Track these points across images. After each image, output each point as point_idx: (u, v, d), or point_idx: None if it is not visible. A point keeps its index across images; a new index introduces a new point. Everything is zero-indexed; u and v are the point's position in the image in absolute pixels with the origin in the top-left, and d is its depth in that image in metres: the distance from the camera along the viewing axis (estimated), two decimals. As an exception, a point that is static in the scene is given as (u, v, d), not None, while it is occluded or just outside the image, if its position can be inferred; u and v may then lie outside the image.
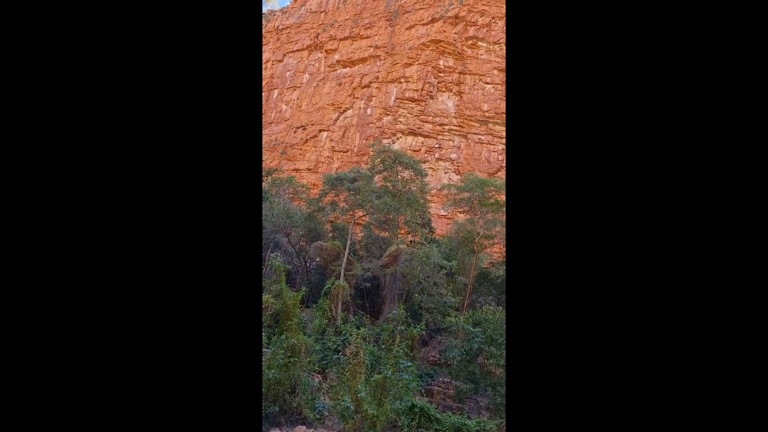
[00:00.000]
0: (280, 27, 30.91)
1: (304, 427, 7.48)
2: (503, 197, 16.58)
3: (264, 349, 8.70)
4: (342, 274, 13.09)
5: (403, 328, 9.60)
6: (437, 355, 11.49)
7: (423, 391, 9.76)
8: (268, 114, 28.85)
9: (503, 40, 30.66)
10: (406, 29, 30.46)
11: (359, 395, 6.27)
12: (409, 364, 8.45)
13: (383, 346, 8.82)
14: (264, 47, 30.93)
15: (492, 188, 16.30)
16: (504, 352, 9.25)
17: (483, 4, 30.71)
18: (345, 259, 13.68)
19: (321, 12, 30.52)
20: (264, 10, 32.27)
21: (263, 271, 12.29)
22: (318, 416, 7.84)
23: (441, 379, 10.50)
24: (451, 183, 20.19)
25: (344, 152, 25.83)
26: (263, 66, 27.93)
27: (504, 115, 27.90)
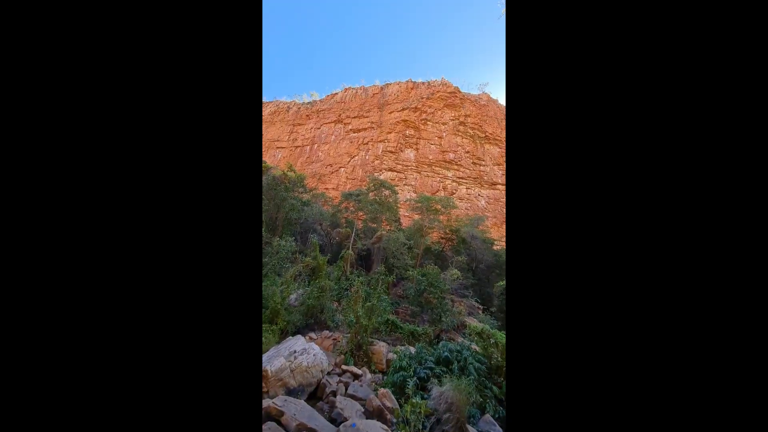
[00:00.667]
0: (320, 109, 37.18)
1: (327, 331, 7.98)
2: (439, 206, 18.48)
3: (306, 288, 9.15)
4: (350, 247, 14.16)
5: (383, 277, 10.37)
6: (402, 292, 12.37)
7: (393, 312, 10.45)
8: (312, 157, 34.34)
9: (442, 120, 36.95)
10: (389, 113, 35.49)
11: (358, 314, 6.63)
12: (385, 297, 9.38)
13: (372, 287, 9.40)
14: (309, 121, 36.45)
15: (433, 201, 18.49)
16: (440, 291, 10.02)
17: (430, 102, 36.89)
18: (352, 239, 14.88)
19: (342, 102, 36.49)
20: (310, 98, 37.68)
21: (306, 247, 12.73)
22: (335, 325, 8.43)
23: (403, 305, 11.40)
24: (411, 198, 22.12)
25: (353, 179, 29.92)
26: (310, 133, 33.04)
27: (440, 161, 33.98)
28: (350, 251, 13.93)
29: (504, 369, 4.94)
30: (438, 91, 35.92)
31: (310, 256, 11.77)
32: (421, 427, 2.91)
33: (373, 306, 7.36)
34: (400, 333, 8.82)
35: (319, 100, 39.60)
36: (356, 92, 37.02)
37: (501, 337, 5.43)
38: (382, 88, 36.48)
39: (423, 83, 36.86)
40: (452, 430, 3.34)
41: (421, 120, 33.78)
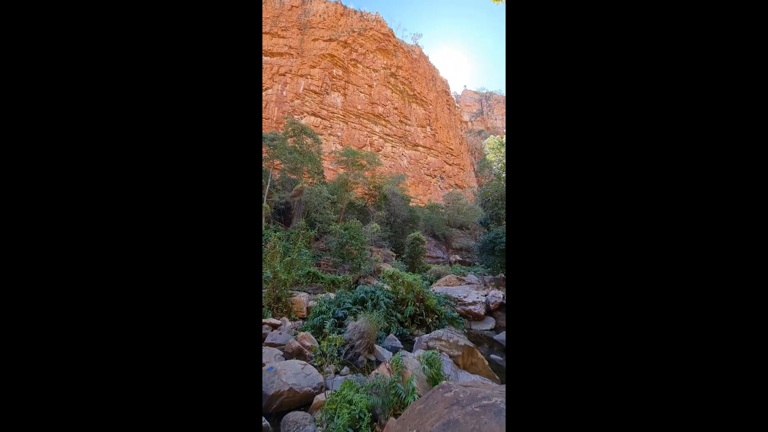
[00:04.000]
0: None
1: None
2: (365, 162, 18.32)
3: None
4: (265, 200, 12.92)
5: (304, 232, 10.37)
6: (324, 245, 12.54)
7: (315, 264, 10.58)
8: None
9: (373, 66, 33.98)
10: (312, 40, 28.66)
11: (276, 269, 6.60)
12: (306, 251, 9.21)
13: (292, 242, 9.42)
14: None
15: (359, 156, 18.05)
16: (361, 244, 10.52)
17: (362, 39, 32.51)
18: (266, 191, 13.45)
19: None
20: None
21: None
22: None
23: (325, 257, 11.60)
24: (337, 150, 20.63)
25: (266, 119, 24.74)
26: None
27: (369, 114, 32.61)
28: (265, 204, 12.73)
29: (407, 299, 6.18)
30: (371, 29, 31.92)
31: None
32: (336, 354, 3.38)
33: (293, 260, 7.29)
34: (322, 282, 9.20)
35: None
36: (267, -5, 27.59)
37: (407, 276, 6.60)
38: (303, 1, 28.63)
39: (355, 12, 31.51)
40: (362, 350, 4.09)
41: (350, 60, 29.86)
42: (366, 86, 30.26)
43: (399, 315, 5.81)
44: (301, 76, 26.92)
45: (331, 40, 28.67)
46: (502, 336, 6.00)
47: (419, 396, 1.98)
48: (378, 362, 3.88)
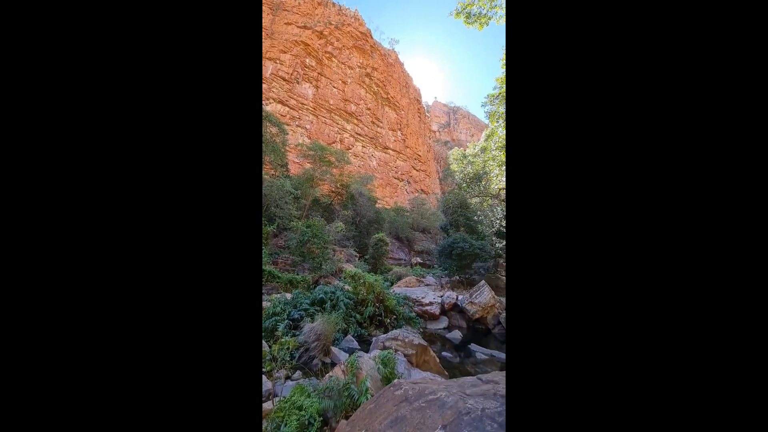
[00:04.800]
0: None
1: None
2: (334, 158, 17.73)
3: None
4: None
5: (262, 227, 9.26)
6: (283, 243, 11.81)
7: (272, 262, 10.12)
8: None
9: (348, 63, 33.51)
10: (285, 24, 26.92)
11: None
12: (262, 248, 8.50)
13: None
14: None
15: (328, 152, 17.40)
16: (324, 242, 10.08)
17: (339, 33, 31.85)
18: None
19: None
20: None
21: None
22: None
23: (284, 255, 11.01)
24: (304, 143, 19.80)
25: None
26: None
27: (341, 110, 32.02)
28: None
29: (368, 300, 6.20)
30: (349, 25, 31.46)
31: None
32: (288, 358, 3.21)
33: (245, 257, 6.77)
34: (278, 282, 8.76)
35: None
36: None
37: (369, 277, 6.63)
38: (277, -19, 26.84)
39: (333, 4, 30.70)
40: (318, 353, 3.96)
41: (325, 52, 28.95)
42: (340, 82, 29.64)
43: (358, 316, 5.79)
44: (270, 59, 25.04)
45: (305, 27, 27.37)
46: (453, 334, 6.44)
47: (372, 396, 2.01)
48: (334, 364, 3.81)
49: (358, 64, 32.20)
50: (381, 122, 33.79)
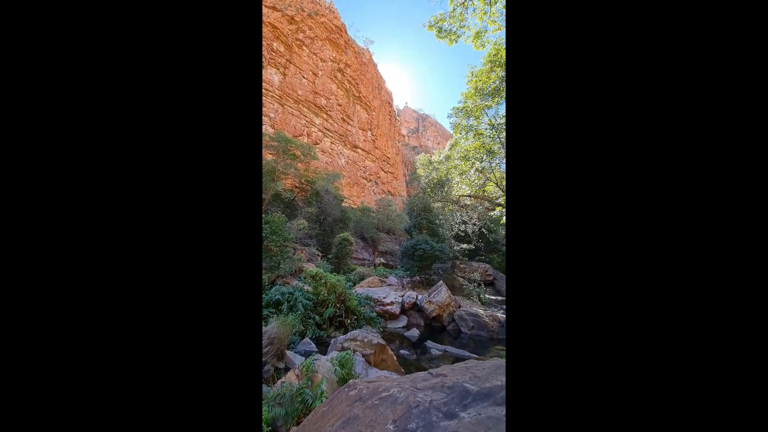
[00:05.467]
0: None
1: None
2: (299, 152, 16.84)
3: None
4: None
5: None
6: None
7: None
8: None
9: (321, 55, 32.32)
10: None
11: None
12: None
13: None
14: None
15: (294, 145, 16.44)
16: (282, 241, 9.50)
17: (311, 22, 30.58)
18: None
19: None
20: None
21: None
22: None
23: None
24: (267, 133, 18.15)
25: None
26: None
27: (310, 103, 30.68)
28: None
29: (328, 301, 6.04)
30: (323, 15, 30.40)
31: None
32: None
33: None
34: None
35: None
36: None
37: (330, 277, 6.47)
38: (244, -48, 24.56)
39: (307, -9, 29.30)
40: (271, 358, 3.71)
41: (296, 39, 27.43)
42: (310, 73, 28.38)
43: (318, 317, 5.61)
44: (231, 36, 22.74)
45: (274, 8, 25.54)
46: (411, 332, 6.68)
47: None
48: (288, 369, 3.61)
49: (331, 57, 31.29)
50: (352, 120, 33.38)
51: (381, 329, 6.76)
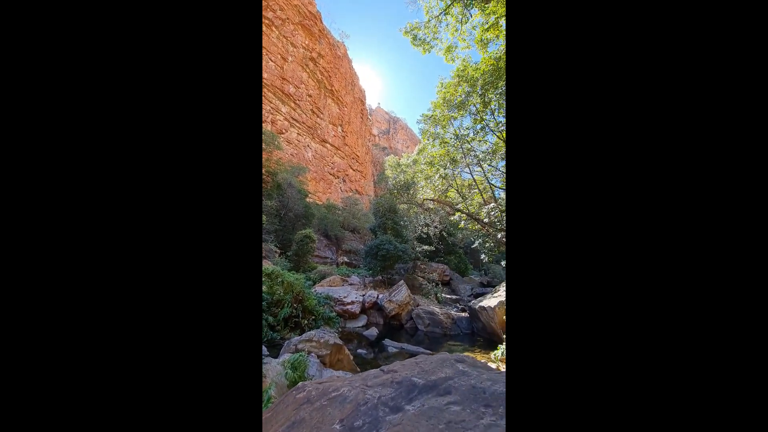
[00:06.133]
0: None
1: None
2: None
3: None
4: None
5: None
6: None
7: None
8: None
9: (292, 40, 30.45)
10: None
11: None
12: None
13: None
14: None
15: None
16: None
17: (283, 3, 28.56)
18: None
19: None
20: None
21: None
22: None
23: None
24: None
25: None
26: None
27: (276, 89, 28.64)
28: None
29: (284, 301, 5.70)
30: (297, -2, 28.68)
31: None
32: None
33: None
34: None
35: None
36: None
37: (288, 276, 6.14)
38: None
39: (281, -32, 27.36)
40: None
41: (265, 19, 25.31)
42: (279, 57, 26.49)
43: (271, 318, 5.26)
44: None
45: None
46: (370, 331, 6.73)
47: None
48: (231, 376, 3.28)
49: (303, 44, 29.72)
50: (322, 113, 32.20)
51: (340, 329, 6.66)
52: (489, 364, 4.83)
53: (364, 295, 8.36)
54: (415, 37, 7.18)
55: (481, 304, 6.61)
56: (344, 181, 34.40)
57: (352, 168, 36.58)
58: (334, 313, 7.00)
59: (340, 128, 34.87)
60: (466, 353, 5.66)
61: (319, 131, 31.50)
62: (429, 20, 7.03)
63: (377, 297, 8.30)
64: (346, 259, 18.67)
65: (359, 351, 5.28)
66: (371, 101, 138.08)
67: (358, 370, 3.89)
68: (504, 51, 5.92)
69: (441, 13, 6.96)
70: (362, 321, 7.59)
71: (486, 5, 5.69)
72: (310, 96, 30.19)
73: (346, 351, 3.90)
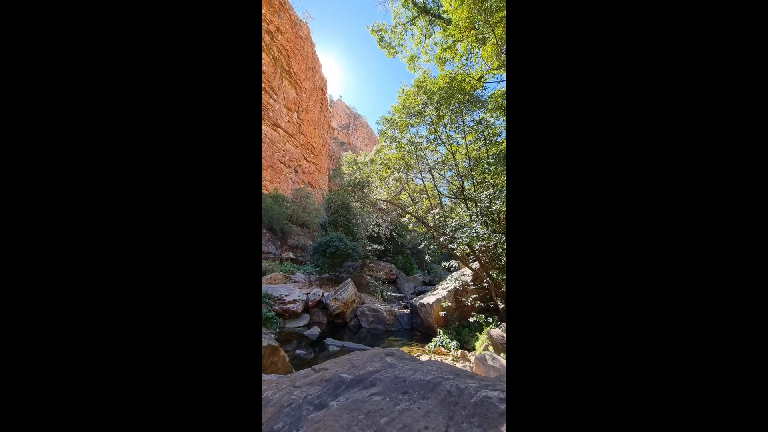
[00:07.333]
0: None
1: None
2: None
3: None
4: None
5: None
6: None
7: None
8: None
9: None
10: None
11: None
12: None
13: None
14: None
15: None
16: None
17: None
18: None
19: None
20: None
21: None
22: None
23: None
24: None
25: None
26: None
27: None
28: None
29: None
30: (256, -40, 25.42)
31: None
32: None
33: None
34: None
35: None
36: None
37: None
38: None
39: None
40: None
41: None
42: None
43: (191, 321, 4.54)
44: None
45: None
46: (312, 331, 6.51)
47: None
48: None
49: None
50: (276, 95, 29.44)
51: (278, 329, 6.24)
52: (422, 356, 5.23)
53: (308, 294, 8.03)
54: (381, 38, 7.25)
55: (421, 301, 7.14)
56: (296, 171, 32.21)
57: (306, 159, 34.55)
58: (273, 313, 6.52)
59: (296, 114, 32.49)
60: (404, 347, 5.98)
61: (271, 113, 28.64)
62: (396, 26, 7.20)
63: (322, 295, 8.09)
64: (291, 255, 17.53)
65: (298, 352, 5.05)
66: (333, 92, 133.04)
67: (293, 370, 3.73)
68: (458, 72, 6.49)
69: (407, 22, 7.22)
70: (304, 320, 7.28)
71: (447, 26, 6.17)
72: (263, 73, 27.24)
73: (282, 353, 3.69)
